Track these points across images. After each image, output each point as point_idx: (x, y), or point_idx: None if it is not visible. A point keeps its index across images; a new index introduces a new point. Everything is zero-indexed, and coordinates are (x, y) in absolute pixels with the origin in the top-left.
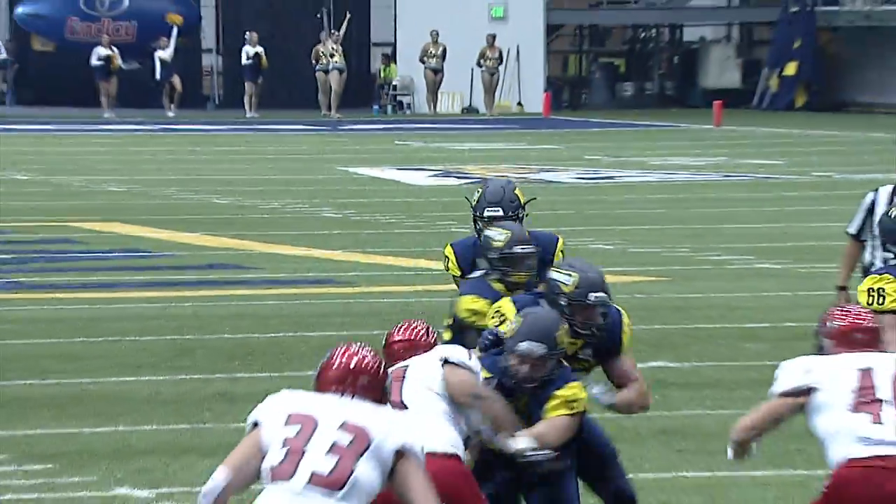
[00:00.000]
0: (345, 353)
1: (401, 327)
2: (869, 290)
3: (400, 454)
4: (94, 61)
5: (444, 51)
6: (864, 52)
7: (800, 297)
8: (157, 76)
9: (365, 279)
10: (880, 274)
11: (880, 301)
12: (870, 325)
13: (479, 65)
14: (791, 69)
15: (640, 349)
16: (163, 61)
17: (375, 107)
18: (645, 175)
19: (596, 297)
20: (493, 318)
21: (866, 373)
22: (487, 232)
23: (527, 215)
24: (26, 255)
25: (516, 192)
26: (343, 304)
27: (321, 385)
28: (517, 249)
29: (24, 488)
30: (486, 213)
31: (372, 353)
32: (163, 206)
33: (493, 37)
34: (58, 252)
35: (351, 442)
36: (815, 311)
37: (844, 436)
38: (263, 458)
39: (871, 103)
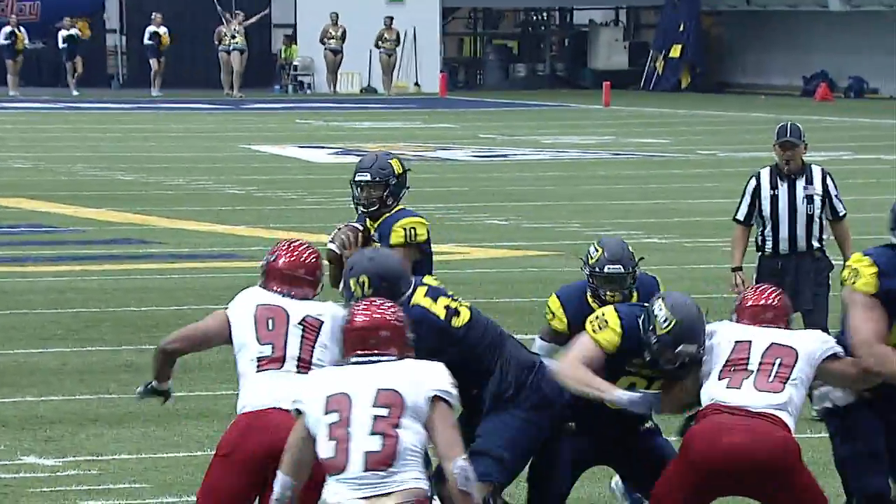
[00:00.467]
0: (364, 310)
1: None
2: (850, 267)
3: (432, 401)
4: (1, 40)
5: (344, 32)
6: (744, 35)
7: (685, 270)
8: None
9: (260, 253)
10: (865, 254)
11: (853, 281)
12: (774, 303)
13: (377, 46)
14: (676, 52)
15: (536, 319)
16: (66, 40)
17: (277, 86)
18: (537, 153)
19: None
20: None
21: (743, 345)
22: (590, 247)
23: (407, 188)
24: None
25: (391, 161)
26: (247, 278)
27: (347, 349)
28: (607, 269)
29: None
30: (355, 178)
31: (390, 307)
32: (68, 182)
33: (391, 19)
34: None
35: (389, 412)
36: (699, 282)
37: (706, 401)
38: (314, 440)
39: (751, 84)
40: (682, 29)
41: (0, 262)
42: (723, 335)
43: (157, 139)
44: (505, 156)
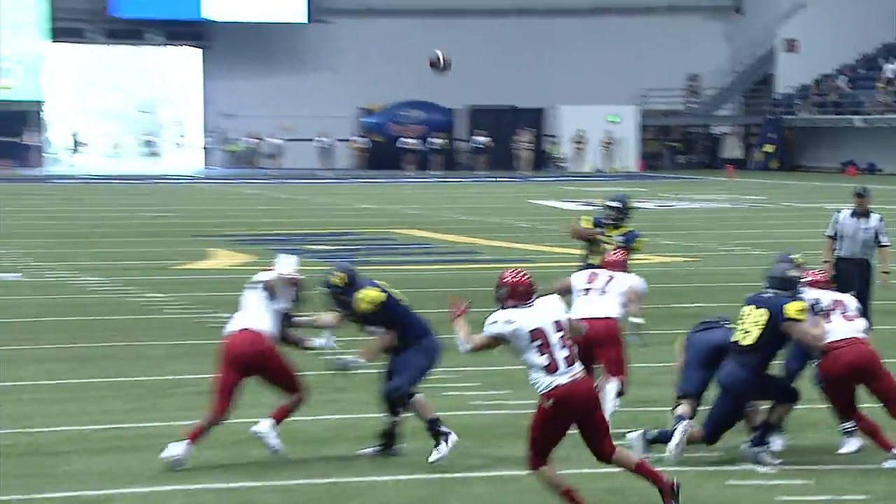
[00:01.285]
0: (514, 276)
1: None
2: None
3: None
4: (400, 145)
5: (584, 137)
6: (807, 139)
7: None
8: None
9: (539, 258)
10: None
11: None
12: (819, 278)
13: (602, 145)
14: (769, 148)
15: (689, 296)
16: (430, 144)
17: (546, 168)
18: (691, 204)
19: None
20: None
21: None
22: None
23: (630, 218)
24: (365, 247)
25: (629, 198)
26: (529, 270)
27: (518, 299)
28: (777, 270)
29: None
30: (608, 203)
31: (524, 273)
32: (436, 220)
33: (611, 130)
34: (382, 245)
35: (563, 334)
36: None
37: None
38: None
39: (812, 166)
40: (772, 135)
41: (398, 263)
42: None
43: (480, 198)
44: (672, 206)
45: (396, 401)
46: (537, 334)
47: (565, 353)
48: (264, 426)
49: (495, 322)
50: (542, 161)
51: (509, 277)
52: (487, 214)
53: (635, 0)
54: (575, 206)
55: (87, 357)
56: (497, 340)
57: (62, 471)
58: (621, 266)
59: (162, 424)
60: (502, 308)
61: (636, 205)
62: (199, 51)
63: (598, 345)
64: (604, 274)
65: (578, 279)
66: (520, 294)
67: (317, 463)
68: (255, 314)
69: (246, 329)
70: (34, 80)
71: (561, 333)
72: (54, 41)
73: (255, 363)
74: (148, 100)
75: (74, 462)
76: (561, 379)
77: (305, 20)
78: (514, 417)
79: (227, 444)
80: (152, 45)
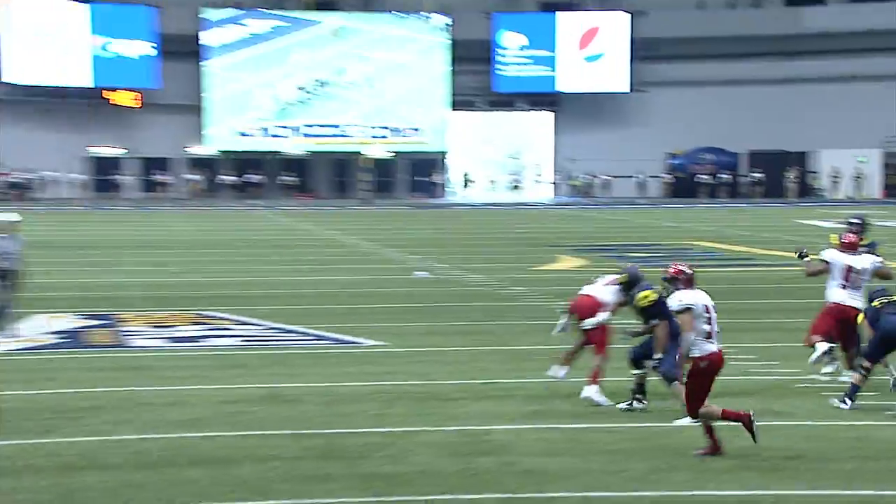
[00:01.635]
0: (681, 267)
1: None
2: None
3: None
4: (696, 180)
5: (840, 173)
6: None
7: None
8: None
9: (801, 264)
10: None
11: None
12: None
13: (855, 178)
14: None
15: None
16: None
17: (809, 197)
18: None
19: None
20: None
21: None
22: None
23: (869, 232)
24: (668, 255)
25: (867, 218)
26: (775, 270)
27: (690, 285)
28: None
29: None
30: (850, 220)
31: (689, 265)
32: (724, 235)
33: (860, 169)
34: (681, 253)
35: (715, 314)
36: None
37: None
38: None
39: None
40: None
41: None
42: None
43: (757, 219)
44: None
45: (666, 380)
46: (707, 310)
47: (717, 328)
48: (590, 391)
49: (680, 300)
50: (806, 191)
51: (677, 269)
52: (762, 231)
53: (881, 69)
54: (830, 224)
55: (469, 331)
56: (690, 312)
57: (452, 412)
58: (856, 247)
59: (522, 381)
60: (675, 291)
61: (879, 223)
62: (552, 114)
63: (847, 326)
64: (855, 269)
65: (837, 272)
66: (688, 280)
67: (624, 413)
68: (600, 289)
69: (588, 294)
70: (441, 138)
71: (715, 314)
72: (454, 110)
73: (576, 316)
74: (515, 149)
75: (461, 406)
76: (713, 347)
77: (628, 90)
78: (782, 381)
79: (566, 396)
80: (520, 110)
